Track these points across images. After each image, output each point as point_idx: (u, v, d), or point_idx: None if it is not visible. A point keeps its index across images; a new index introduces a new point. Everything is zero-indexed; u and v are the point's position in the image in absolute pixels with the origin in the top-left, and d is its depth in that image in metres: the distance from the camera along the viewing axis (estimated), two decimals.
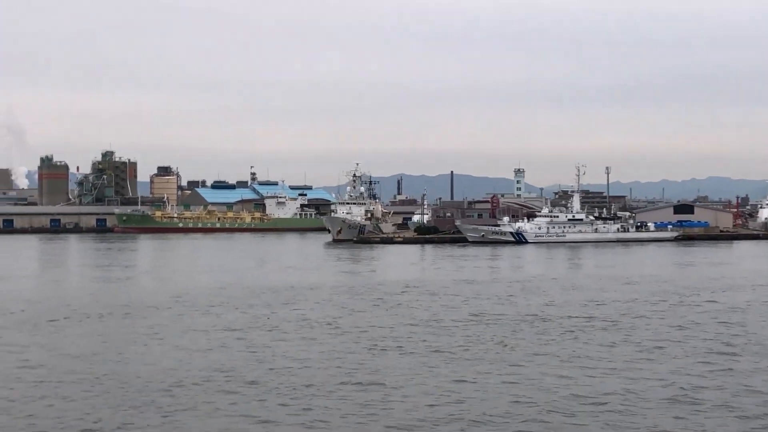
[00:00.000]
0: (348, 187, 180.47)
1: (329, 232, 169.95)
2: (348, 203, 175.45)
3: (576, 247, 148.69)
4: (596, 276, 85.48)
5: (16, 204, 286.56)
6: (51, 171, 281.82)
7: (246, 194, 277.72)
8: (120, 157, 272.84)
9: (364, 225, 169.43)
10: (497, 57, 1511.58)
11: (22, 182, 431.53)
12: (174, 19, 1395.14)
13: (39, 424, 27.85)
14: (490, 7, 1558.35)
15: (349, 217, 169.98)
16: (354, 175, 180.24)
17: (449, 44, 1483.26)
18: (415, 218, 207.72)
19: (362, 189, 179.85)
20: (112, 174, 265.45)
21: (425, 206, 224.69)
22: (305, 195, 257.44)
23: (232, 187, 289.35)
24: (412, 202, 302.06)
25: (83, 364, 37.42)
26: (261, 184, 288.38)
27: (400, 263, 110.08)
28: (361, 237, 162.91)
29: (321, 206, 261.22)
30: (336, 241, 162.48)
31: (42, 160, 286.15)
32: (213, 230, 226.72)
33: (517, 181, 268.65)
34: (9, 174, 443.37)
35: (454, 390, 32.41)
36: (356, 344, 43.03)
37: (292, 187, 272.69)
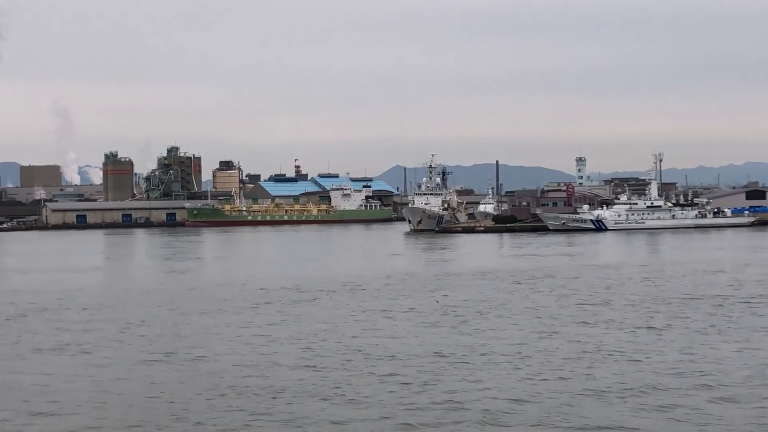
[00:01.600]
0: (424, 178, 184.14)
1: (409, 222, 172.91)
2: (425, 194, 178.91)
3: (655, 233, 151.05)
4: (708, 260, 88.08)
5: (80, 200, 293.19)
6: (116, 167, 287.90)
7: (309, 187, 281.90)
8: (185, 153, 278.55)
9: (442, 215, 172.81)
10: (527, 45, 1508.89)
11: (74, 178, 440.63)
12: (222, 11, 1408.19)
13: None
14: None
15: (427, 207, 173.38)
16: (430, 166, 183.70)
17: (481, 31, 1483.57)
18: (481, 207, 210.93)
19: (438, 180, 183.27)
20: (179, 169, 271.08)
21: (489, 196, 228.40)
22: (369, 186, 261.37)
23: (293, 180, 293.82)
24: (468, 192, 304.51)
25: (335, 342, 40.78)
26: (322, 176, 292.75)
27: (502, 251, 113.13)
28: (442, 227, 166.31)
29: (384, 197, 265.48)
30: (416, 231, 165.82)
31: (107, 156, 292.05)
32: (281, 223, 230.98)
33: (579, 170, 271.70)
34: (59, 170, 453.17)
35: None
36: (559, 323, 46.05)
37: (353, 179, 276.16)
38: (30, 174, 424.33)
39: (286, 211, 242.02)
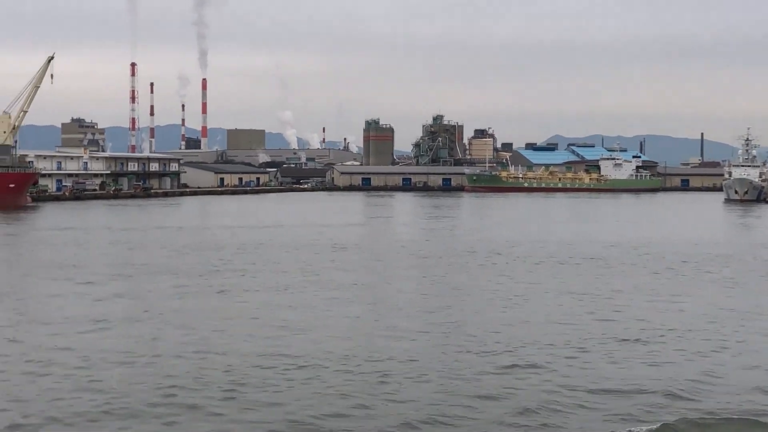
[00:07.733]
0: (740, 150, 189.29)
1: (735, 192, 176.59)
2: (743, 165, 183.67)
3: None
4: None
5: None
6: (377, 133, 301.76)
7: (568, 156, 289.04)
8: (449, 121, 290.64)
9: (763, 187, 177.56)
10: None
11: (292, 141, 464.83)
12: None
13: None
14: None
15: (748, 178, 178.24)
16: (746, 139, 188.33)
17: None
18: None
19: (754, 152, 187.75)
20: (445, 136, 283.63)
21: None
22: (639, 157, 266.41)
23: (550, 149, 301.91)
24: (713, 164, 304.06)
25: None
26: (578, 146, 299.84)
27: None
28: None
29: (650, 167, 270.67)
30: (742, 201, 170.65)
31: (367, 123, 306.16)
32: (554, 190, 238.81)
33: None
34: (263, 134, 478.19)
35: None
36: None
37: (610, 150, 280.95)
38: (236, 137, 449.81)
39: (559, 179, 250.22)
